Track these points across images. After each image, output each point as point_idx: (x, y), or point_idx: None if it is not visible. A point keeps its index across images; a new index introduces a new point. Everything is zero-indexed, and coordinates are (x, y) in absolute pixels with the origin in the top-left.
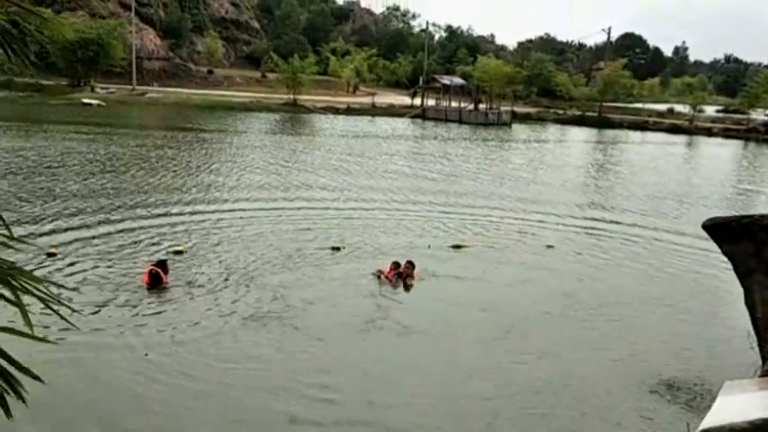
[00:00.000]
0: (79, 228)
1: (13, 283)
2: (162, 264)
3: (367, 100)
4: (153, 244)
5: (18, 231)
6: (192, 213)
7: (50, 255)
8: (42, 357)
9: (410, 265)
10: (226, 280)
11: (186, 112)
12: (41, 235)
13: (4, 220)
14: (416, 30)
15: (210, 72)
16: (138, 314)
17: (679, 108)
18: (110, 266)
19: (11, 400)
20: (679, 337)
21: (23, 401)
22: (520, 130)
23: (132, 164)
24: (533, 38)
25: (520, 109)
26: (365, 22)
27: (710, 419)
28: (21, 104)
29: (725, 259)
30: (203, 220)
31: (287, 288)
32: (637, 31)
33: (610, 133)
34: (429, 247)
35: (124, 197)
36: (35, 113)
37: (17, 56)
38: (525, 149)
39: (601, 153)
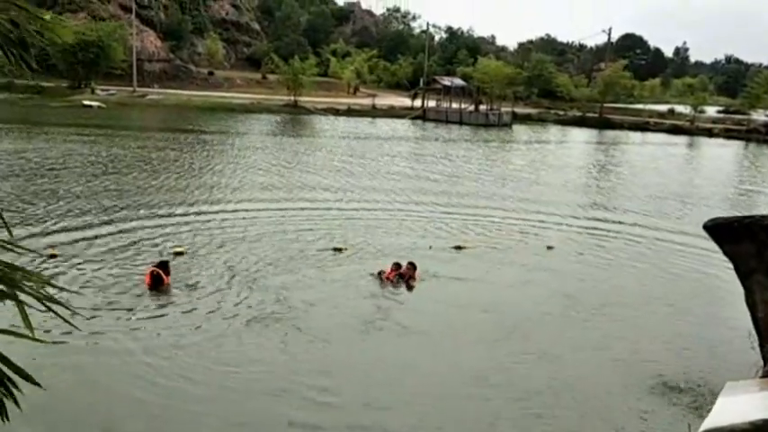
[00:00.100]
0: (81, 229)
1: (16, 284)
2: (163, 265)
3: (367, 101)
4: (154, 245)
5: (20, 233)
6: (194, 214)
7: (51, 256)
8: (42, 360)
9: (411, 266)
10: (227, 281)
11: (187, 113)
12: (43, 236)
13: (4, 221)
14: (417, 31)
15: (211, 74)
16: (138, 317)
17: (680, 109)
18: (111, 268)
19: (9, 403)
20: (680, 337)
21: (18, 407)
22: (521, 131)
23: (134, 165)
24: (534, 39)
25: (520, 110)
26: (365, 23)
27: (712, 420)
28: (21, 106)
29: (726, 259)
30: (205, 221)
31: (289, 290)
32: (637, 32)
33: (610, 134)
34: (430, 247)
35: (126, 199)
36: (36, 115)
37: (17, 59)
38: (526, 150)
39: (602, 154)
